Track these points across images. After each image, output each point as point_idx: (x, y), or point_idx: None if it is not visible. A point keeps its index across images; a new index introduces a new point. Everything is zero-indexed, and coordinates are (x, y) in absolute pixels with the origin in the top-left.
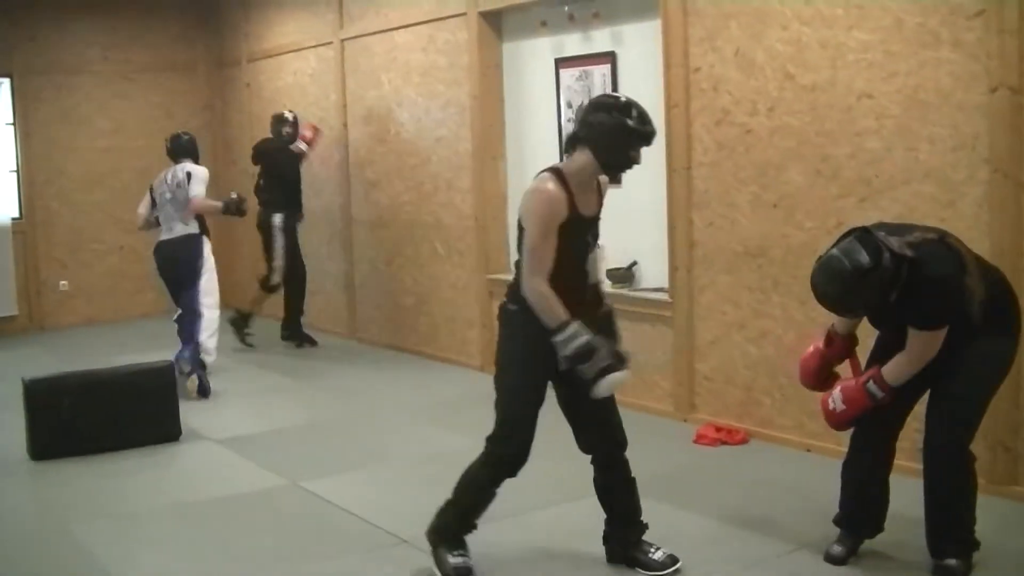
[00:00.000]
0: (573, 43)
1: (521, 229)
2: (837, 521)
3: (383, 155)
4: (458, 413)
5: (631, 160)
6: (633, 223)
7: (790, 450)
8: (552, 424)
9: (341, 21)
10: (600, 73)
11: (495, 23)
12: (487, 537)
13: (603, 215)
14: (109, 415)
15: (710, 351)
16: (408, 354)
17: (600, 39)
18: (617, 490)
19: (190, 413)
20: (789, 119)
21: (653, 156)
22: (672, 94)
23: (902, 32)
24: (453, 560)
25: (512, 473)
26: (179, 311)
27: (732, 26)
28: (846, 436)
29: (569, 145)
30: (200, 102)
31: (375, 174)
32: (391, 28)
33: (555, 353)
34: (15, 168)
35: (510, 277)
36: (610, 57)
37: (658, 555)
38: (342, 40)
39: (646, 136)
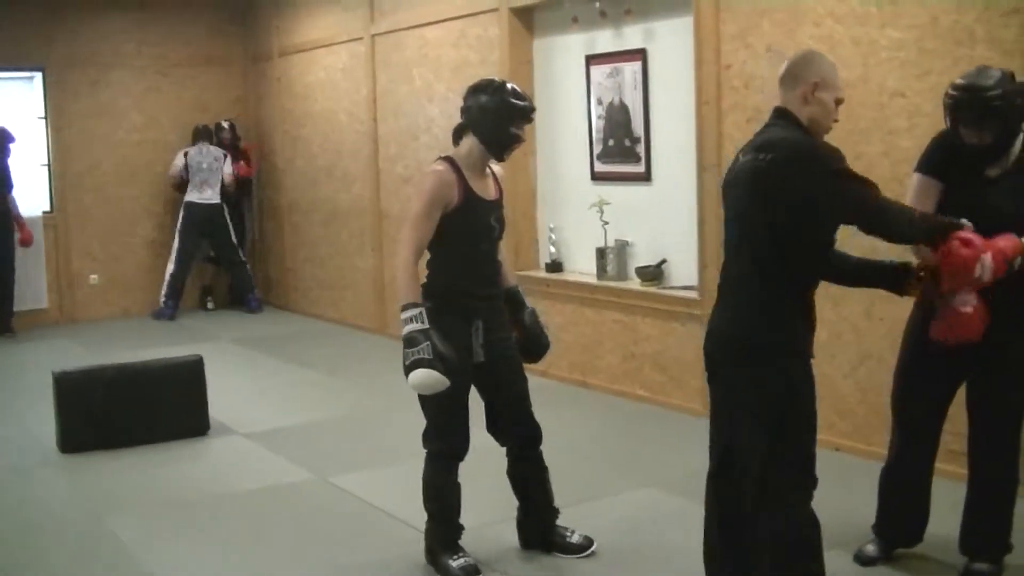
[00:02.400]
0: (604, 40)
1: None
2: (875, 529)
3: (414, 150)
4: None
5: (513, 137)
6: (663, 221)
7: (819, 449)
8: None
9: (372, 16)
10: (631, 70)
11: (526, 19)
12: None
13: (624, 211)
14: (139, 408)
15: None
16: None
17: (631, 36)
18: (532, 479)
19: (218, 407)
20: None
21: (683, 153)
22: (703, 91)
23: (936, 30)
24: (455, 563)
25: (460, 459)
26: None
27: (764, 23)
28: (876, 435)
29: (456, 135)
30: (232, 96)
31: (406, 169)
32: (422, 24)
33: (469, 341)
34: (47, 162)
35: (541, 274)
36: (641, 54)
37: (575, 538)
38: (373, 35)
39: (523, 111)
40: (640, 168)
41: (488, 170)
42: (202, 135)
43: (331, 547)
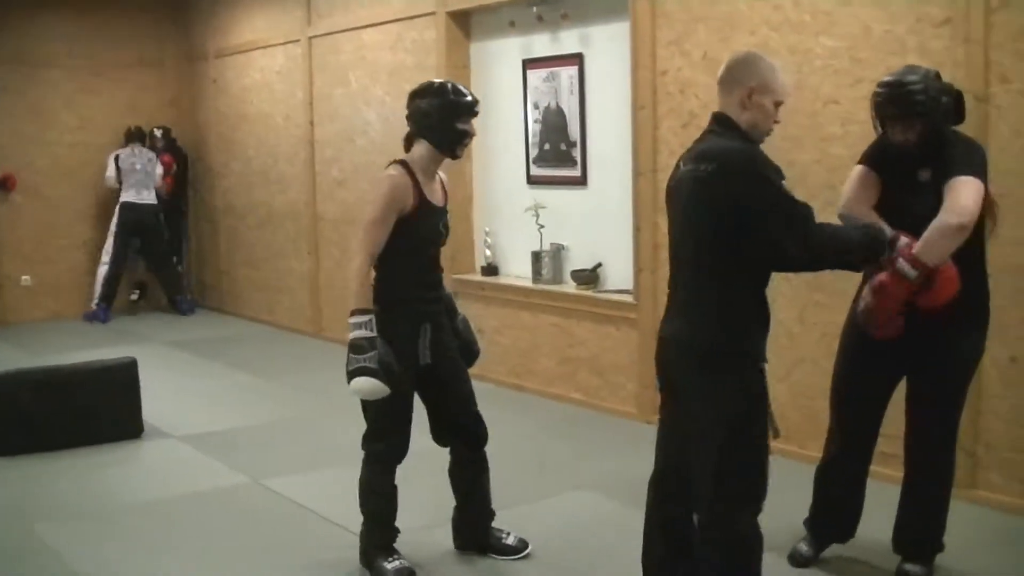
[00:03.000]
0: (541, 44)
1: None
2: (808, 524)
3: (350, 153)
4: (422, 412)
5: (463, 133)
6: (599, 225)
7: None
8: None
9: (309, 18)
10: (567, 74)
11: (463, 23)
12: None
13: (560, 215)
14: (70, 411)
15: None
16: None
17: (568, 40)
18: (472, 480)
19: (152, 410)
20: None
21: (619, 158)
22: (639, 96)
23: (870, 39)
24: (391, 566)
25: (398, 462)
26: None
27: (700, 30)
28: (810, 439)
29: (407, 142)
30: (167, 97)
31: (341, 172)
32: (359, 26)
33: (416, 345)
34: None
35: (477, 277)
36: (578, 59)
37: (511, 539)
38: (310, 37)
39: (466, 106)
40: (576, 172)
41: (438, 176)
42: (135, 137)
43: (267, 551)
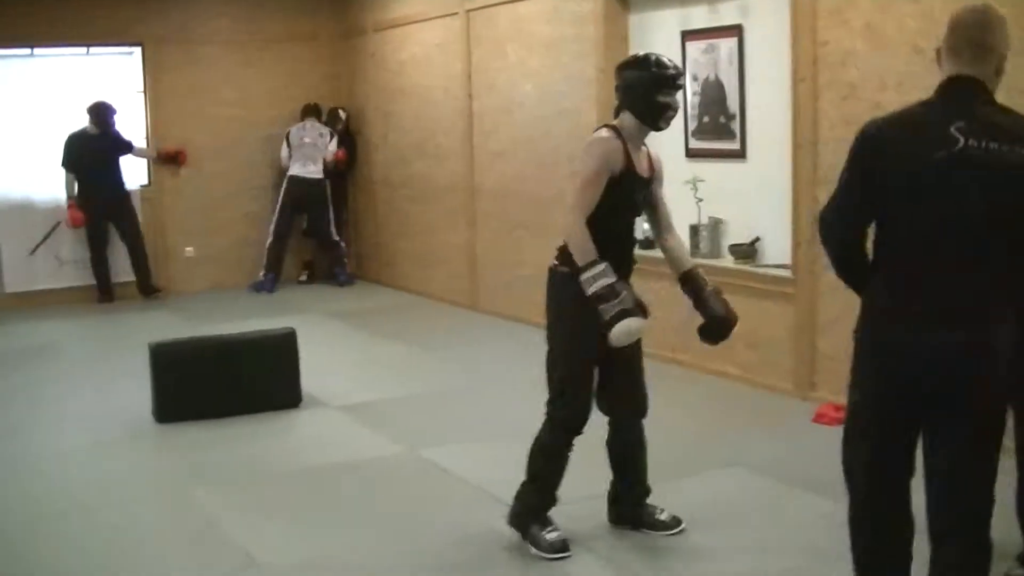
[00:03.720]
0: (700, 16)
1: None
2: None
3: (507, 126)
4: None
5: (664, 106)
6: (757, 199)
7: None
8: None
9: None
10: (727, 46)
11: None
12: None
13: (718, 188)
14: (232, 380)
15: (832, 329)
16: (529, 325)
17: (727, 12)
18: (631, 453)
19: (311, 380)
20: (919, 94)
21: (778, 131)
22: (799, 68)
23: None
24: (549, 536)
25: (579, 431)
26: None
27: None
28: None
29: (616, 114)
30: (325, 72)
31: (499, 145)
32: None
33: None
34: (145, 136)
35: (635, 250)
36: (737, 30)
37: (664, 516)
38: (467, 11)
39: (668, 79)
40: (735, 145)
41: (644, 148)
42: (310, 112)
43: (421, 519)
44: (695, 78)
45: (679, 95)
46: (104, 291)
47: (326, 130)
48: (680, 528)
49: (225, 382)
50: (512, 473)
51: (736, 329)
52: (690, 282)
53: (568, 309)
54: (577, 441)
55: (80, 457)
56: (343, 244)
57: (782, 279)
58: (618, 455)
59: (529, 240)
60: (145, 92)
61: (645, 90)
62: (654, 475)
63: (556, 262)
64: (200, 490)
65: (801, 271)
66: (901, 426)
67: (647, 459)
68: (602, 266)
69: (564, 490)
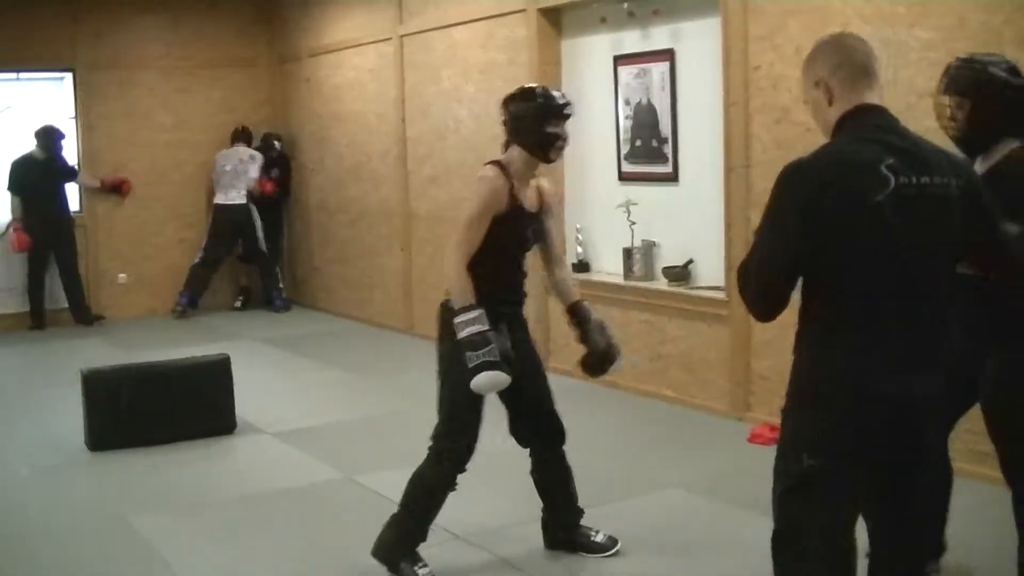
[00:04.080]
0: (632, 40)
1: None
2: None
3: (442, 151)
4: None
5: (554, 136)
6: (690, 221)
7: None
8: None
9: (400, 16)
10: (659, 71)
11: (554, 19)
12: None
13: (651, 211)
14: (166, 407)
15: (766, 350)
16: None
17: (659, 36)
18: (556, 479)
19: (246, 406)
20: None
21: (710, 154)
22: (731, 92)
23: (964, 30)
24: (421, 572)
25: (462, 468)
26: None
27: (792, 24)
28: None
29: (505, 147)
30: (260, 97)
31: (434, 169)
32: (450, 24)
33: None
34: (76, 162)
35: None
36: (669, 54)
37: (600, 537)
38: (401, 36)
39: (554, 109)
40: (667, 168)
41: (533, 182)
42: (239, 137)
43: (358, 546)
44: (627, 102)
45: (567, 125)
46: (37, 317)
47: (254, 154)
48: (616, 549)
49: (159, 409)
50: (450, 497)
51: (671, 350)
52: (576, 314)
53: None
54: (516, 464)
55: (13, 486)
56: (278, 269)
57: (716, 301)
58: (544, 484)
59: None
60: (77, 118)
61: (533, 121)
62: (591, 497)
63: (446, 297)
64: (136, 518)
65: (734, 292)
66: (864, 484)
67: (574, 483)
68: (476, 312)
69: (503, 515)
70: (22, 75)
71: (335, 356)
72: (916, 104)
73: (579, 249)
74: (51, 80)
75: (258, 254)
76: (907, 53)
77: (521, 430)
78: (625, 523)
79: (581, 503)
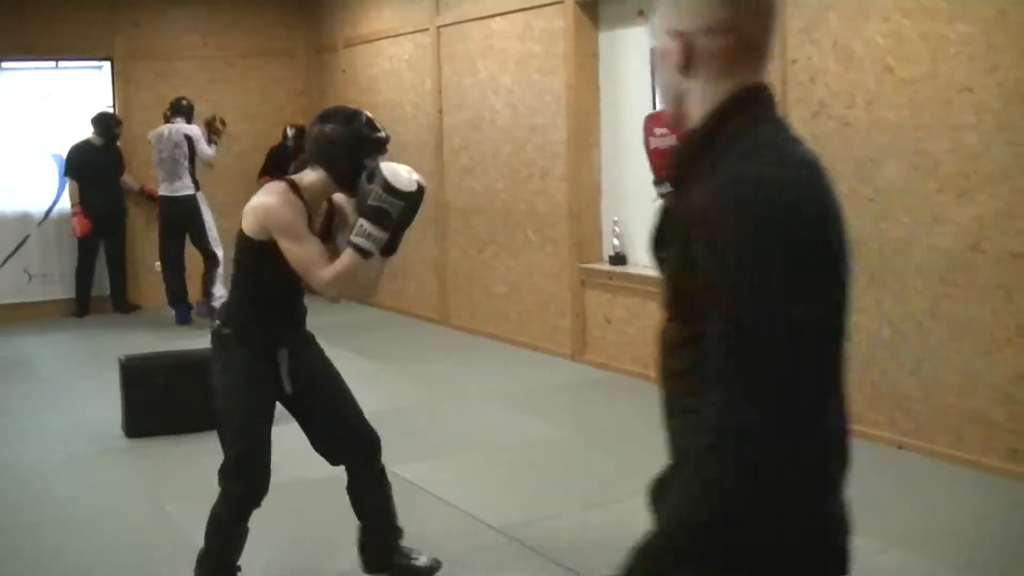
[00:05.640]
0: None
1: (243, 240)
2: None
3: (478, 142)
4: (547, 401)
5: (364, 170)
6: None
7: (880, 446)
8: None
9: (437, 8)
10: None
11: (592, 12)
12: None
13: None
14: (202, 395)
15: None
16: (499, 341)
17: None
18: (373, 495)
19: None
20: (887, 113)
21: None
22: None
23: (1005, 24)
24: None
25: (256, 504)
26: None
27: (831, 17)
28: (938, 434)
29: (298, 167)
30: (297, 88)
31: (470, 160)
32: (487, 15)
33: (275, 372)
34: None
35: (604, 267)
36: None
37: (422, 560)
38: (438, 27)
39: (377, 143)
40: None
41: (324, 204)
42: (179, 111)
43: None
44: None
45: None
46: (82, 305)
47: (190, 133)
48: (438, 571)
49: (195, 397)
50: (481, 488)
51: None
52: None
53: (237, 377)
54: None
55: (52, 471)
56: (218, 275)
57: None
58: (359, 501)
59: (498, 256)
60: (114, 107)
61: (352, 151)
62: (625, 491)
63: (219, 323)
64: (170, 504)
65: None
66: None
67: (392, 500)
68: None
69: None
70: (61, 63)
71: (370, 346)
72: (956, 99)
73: (616, 242)
74: (89, 69)
75: (204, 251)
76: (946, 47)
77: (327, 448)
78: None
79: (617, 496)
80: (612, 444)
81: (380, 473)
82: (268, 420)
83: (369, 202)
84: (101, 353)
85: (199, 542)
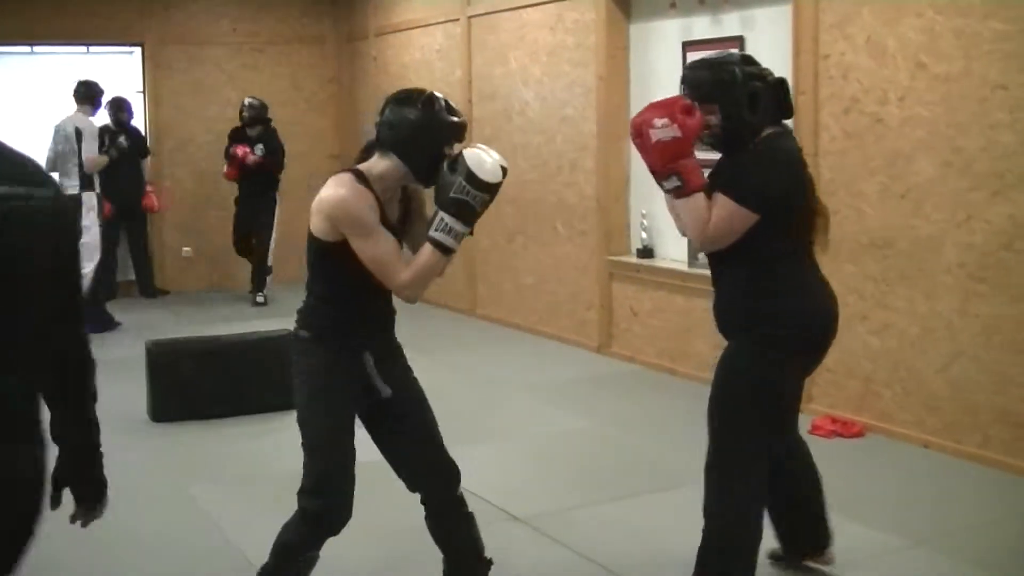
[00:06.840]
0: (702, 26)
1: (314, 242)
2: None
3: (508, 133)
4: (574, 393)
5: (444, 158)
6: None
7: (907, 445)
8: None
9: None
10: None
11: (623, 4)
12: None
13: None
14: (226, 380)
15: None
16: (526, 332)
17: (729, 23)
18: (457, 529)
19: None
20: (920, 109)
21: None
22: (800, 81)
23: None
24: None
25: (333, 531)
26: None
27: (864, 13)
28: (966, 433)
29: (365, 152)
30: (327, 75)
31: (499, 151)
32: (519, 6)
33: (358, 382)
34: (145, 135)
35: (632, 259)
36: (738, 42)
37: None
38: (469, 17)
39: (457, 129)
40: None
41: (399, 192)
42: (83, 98)
43: (414, 525)
44: None
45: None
46: (107, 289)
47: (83, 125)
48: None
49: (219, 382)
50: (506, 478)
51: None
52: None
53: (318, 386)
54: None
55: None
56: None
57: None
58: (441, 532)
59: (528, 247)
60: (145, 92)
61: (430, 138)
62: (653, 485)
63: (296, 326)
64: (194, 487)
65: None
66: None
67: (477, 529)
68: (443, 221)
69: (559, 496)
70: (92, 48)
71: (398, 336)
72: (990, 97)
73: (643, 235)
74: (121, 54)
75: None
76: (980, 44)
77: (407, 473)
78: (687, 510)
79: (641, 488)
80: (637, 437)
81: (460, 502)
82: (352, 432)
83: (451, 194)
84: (126, 337)
85: (224, 526)
